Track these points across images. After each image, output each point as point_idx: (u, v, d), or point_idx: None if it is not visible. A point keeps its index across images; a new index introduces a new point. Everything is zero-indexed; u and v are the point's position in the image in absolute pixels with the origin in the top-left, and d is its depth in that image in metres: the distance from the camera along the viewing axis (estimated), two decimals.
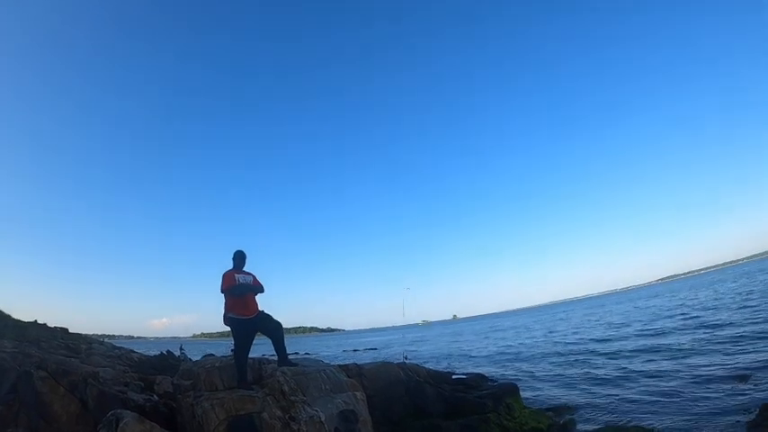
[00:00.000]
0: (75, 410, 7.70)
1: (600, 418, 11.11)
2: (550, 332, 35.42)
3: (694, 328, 20.67)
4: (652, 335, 21.38)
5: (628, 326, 27.59)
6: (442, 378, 13.68)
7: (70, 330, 33.58)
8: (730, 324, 19.66)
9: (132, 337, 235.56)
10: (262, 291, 7.54)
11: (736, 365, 13.12)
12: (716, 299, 34.19)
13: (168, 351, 28.14)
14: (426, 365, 15.89)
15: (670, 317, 27.54)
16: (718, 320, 21.21)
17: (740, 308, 24.21)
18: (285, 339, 7.68)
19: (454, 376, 15.27)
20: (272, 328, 7.37)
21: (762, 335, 16.16)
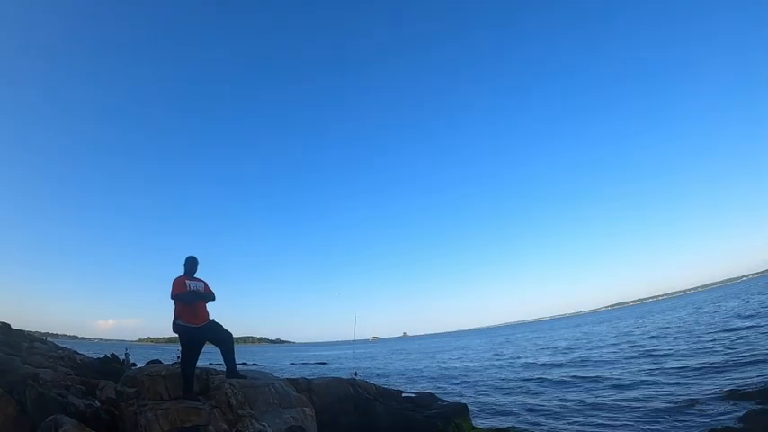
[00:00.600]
0: (11, 412, 7.41)
1: None
2: (497, 354, 35.97)
3: (639, 357, 21.35)
4: (595, 362, 21.95)
5: (573, 351, 28.24)
6: (391, 396, 13.70)
7: (12, 326, 32.18)
8: (674, 354, 20.38)
9: (76, 338, 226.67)
10: (213, 298, 7.37)
11: (681, 395, 13.57)
12: (662, 327, 35.40)
13: (113, 354, 27.13)
14: (376, 382, 15.88)
15: (615, 344, 28.36)
16: (662, 350, 21.97)
17: (685, 338, 25.13)
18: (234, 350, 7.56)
19: (404, 394, 15.27)
20: (222, 338, 7.20)
21: (705, 366, 16.81)
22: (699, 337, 24.23)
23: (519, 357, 30.48)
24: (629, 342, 28.19)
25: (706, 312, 41.71)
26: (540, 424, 13.36)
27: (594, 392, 16.15)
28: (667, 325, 37.18)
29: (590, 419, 12.95)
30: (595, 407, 14.30)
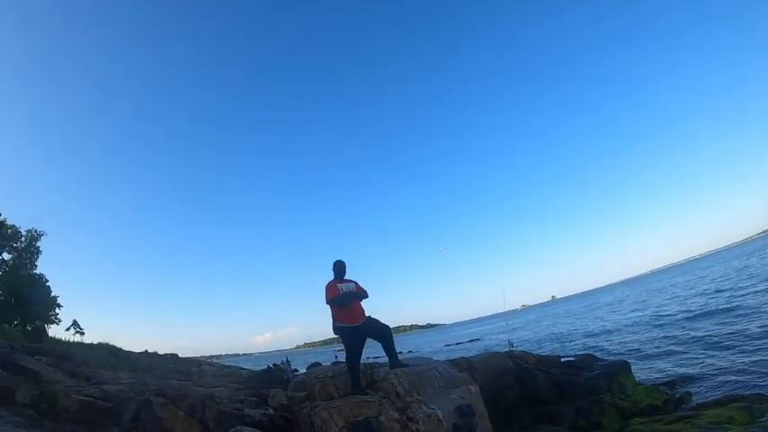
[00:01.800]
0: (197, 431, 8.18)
1: (717, 387, 10.33)
2: (647, 307, 33.46)
3: None
4: (739, 306, 19.39)
5: (726, 291, 25.35)
6: (550, 362, 13.23)
7: (180, 356, 36.02)
8: None
9: (238, 355, 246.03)
10: (366, 296, 7.60)
11: None
12: None
13: (275, 364, 29.29)
14: (533, 351, 15.49)
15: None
16: None
17: None
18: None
19: (563, 359, 14.69)
20: (381, 333, 7.41)
21: None
22: None
23: (668, 307, 28.13)
24: None
25: None
26: (708, 364, 12.29)
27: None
28: None
29: (758, 355, 11.62)
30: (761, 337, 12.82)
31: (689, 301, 25.68)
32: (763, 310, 16.33)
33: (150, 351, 36.77)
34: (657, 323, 21.02)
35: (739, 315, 16.97)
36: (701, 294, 27.82)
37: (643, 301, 39.17)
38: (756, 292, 20.58)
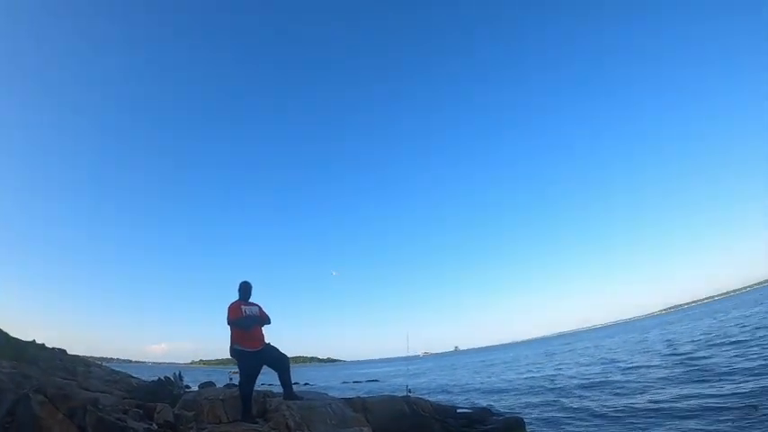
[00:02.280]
0: None
1: None
2: (548, 365, 34.94)
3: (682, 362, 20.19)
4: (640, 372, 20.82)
5: (622, 361, 26.99)
6: (446, 412, 13.43)
7: (68, 352, 33.49)
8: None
9: (130, 362, 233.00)
10: (268, 322, 7.50)
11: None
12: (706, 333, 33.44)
13: (166, 377, 27.83)
14: (430, 398, 15.64)
15: (661, 352, 26.90)
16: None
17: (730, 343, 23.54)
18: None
19: (459, 410, 14.94)
20: (279, 361, 7.29)
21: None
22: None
23: (569, 368, 29.52)
24: (671, 348, 26.77)
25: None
26: (602, 427, 12.87)
27: (642, 398, 15.44)
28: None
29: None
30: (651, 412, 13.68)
31: (582, 369, 26.95)
32: (652, 385, 17.34)
33: (38, 342, 34.02)
34: (550, 387, 21.88)
35: (625, 389, 17.96)
36: (594, 363, 29.24)
37: (539, 363, 40.63)
38: (650, 366, 21.86)
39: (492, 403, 18.74)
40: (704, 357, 19.96)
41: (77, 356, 34.92)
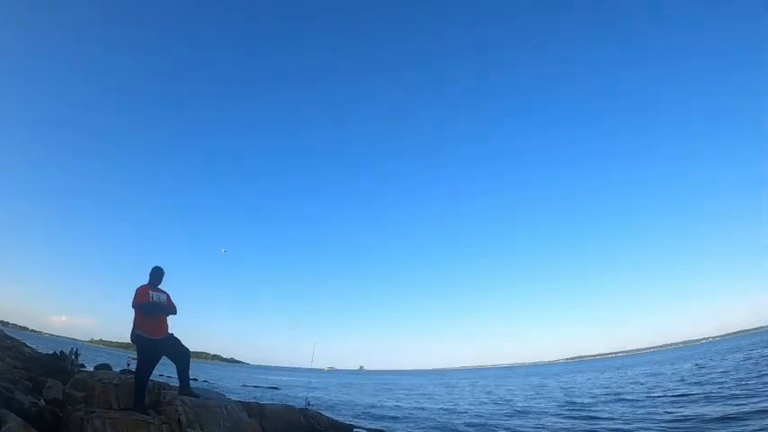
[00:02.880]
0: None
1: None
2: (449, 395, 35.89)
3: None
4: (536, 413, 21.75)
5: (517, 400, 28.08)
6: (341, 429, 13.58)
7: None
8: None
9: (27, 329, 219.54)
10: (174, 312, 7.42)
11: None
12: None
13: (62, 352, 26.32)
14: (328, 414, 15.71)
15: (555, 397, 28.25)
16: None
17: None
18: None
19: (355, 429, 15.15)
20: (180, 354, 7.21)
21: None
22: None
23: (467, 400, 30.42)
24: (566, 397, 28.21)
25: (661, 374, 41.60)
26: None
27: None
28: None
29: None
30: None
31: (475, 407, 27.78)
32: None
33: None
34: (441, 419, 22.49)
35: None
36: (489, 402, 30.13)
37: (438, 394, 41.38)
38: (540, 413, 22.78)
39: (389, 426, 19.07)
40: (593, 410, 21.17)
41: None
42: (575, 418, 20.26)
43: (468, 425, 21.20)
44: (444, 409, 25.97)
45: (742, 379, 22.39)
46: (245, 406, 9.20)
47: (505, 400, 29.70)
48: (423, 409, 26.77)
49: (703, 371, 33.28)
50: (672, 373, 37.92)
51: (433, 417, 23.34)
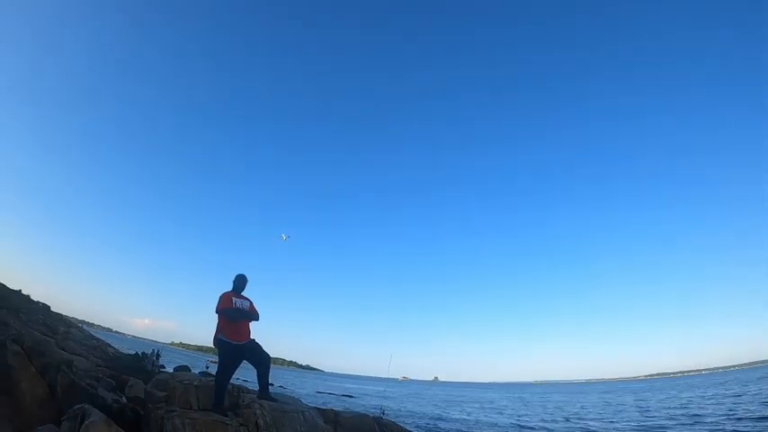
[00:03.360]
0: (41, 394, 7.49)
1: None
2: (523, 411, 34.60)
3: None
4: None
5: (587, 420, 26.48)
6: None
7: (52, 309, 33.45)
8: None
9: (111, 330, 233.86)
10: (257, 319, 7.45)
11: None
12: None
13: (143, 353, 27.68)
14: (403, 423, 15.43)
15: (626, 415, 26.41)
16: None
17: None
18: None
19: None
20: (261, 359, 7.22)
21: None
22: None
23: (538, 416, 29.19)
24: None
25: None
26: None
27: None
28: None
29: None
30: None
31: (545, 423, 26.60)
32: None
33: (24, 293, 34.10)
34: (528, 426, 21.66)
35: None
36: (560, 419, 28.78)
37: (512, 407, 40.13)
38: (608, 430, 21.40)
39: None
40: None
41: (60, 315, 34.93)
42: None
43: None
44: (514, 425, 25.06)
45: None
46: (322, 412, 9.10)
47: (579, 418, 28.29)
48: (495, 424, 25.95)
49: None
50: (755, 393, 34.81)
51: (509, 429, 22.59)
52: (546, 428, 23.07)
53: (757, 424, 17.33)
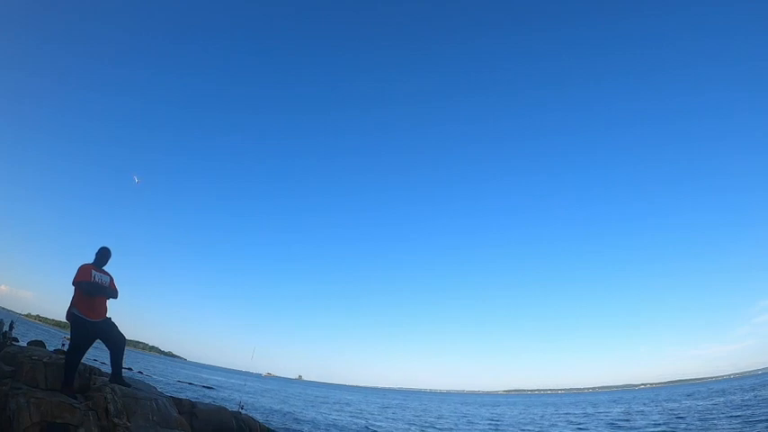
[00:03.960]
0: None
1: None
2: (382, 416, 36.08)
3: None
4: None
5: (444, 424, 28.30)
6: None
7: None
8: None
9: None
10: (115, 296, 7.25)
11: None
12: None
13: None
14: (261, 419, 15.54)
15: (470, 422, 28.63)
16: None
17: None
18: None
19: None
20: (115, 340, 7.01)
21: None
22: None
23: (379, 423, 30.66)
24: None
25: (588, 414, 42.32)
26: None
27: None
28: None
29: None
30: None
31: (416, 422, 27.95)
32: None
33: None
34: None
35: None
36: (415, 425, 30.31)
37: (372, 412, 41.44)
38: None
39: None
40: None
41: None
42: None
43: None
44: (366, 427, 26.04)
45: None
46: (177, 402, 9.04)
47: (429, 425, 29.94)
48: (345, 427, 26.77)
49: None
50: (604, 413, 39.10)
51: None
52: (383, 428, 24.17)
53: None
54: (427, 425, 30.41)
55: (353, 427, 25.38)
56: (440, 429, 27.62)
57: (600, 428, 25.24)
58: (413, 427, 28.03)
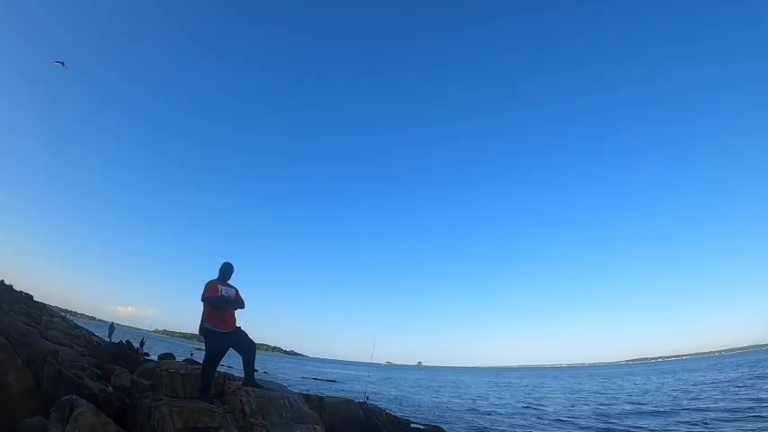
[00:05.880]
0: (28, 385, 7.48)
1: None
2: (508, 394, 35.41)
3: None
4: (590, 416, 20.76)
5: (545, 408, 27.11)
6: (399, 425, 13.51)
7: (35, 298, 33.08)
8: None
9: (94, 319, 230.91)
10: (242, 306, 7.51)
11: None
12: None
13: (128, 341, 27.61)
14: (386, 408, 15.72)
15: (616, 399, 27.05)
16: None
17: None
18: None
19: (412, 425, 15.05)
20: (246, 347, 7.33)
21: None
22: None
23: (503, 401, 29.88)
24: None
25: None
26: None
27: None
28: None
29: None
30: None
31: (542, 400, 27.14)
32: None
33: (6, 282, 33.62)
34: (517, 410, 22.05)
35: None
36: (521, 402, 29.39)
37: (488, 392, 40.87)
38: (576, 417, 21.90)
39: (447, 423, 18.91)
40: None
41: (43, 304, 34.50)
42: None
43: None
44: (473, 407, 25.59)
45: None
46: (306, 398, 9.25)
47: (538, 404, 28.89)
48: (479, 404, 26.46)
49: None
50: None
51: (492, 412, 23.08)
52: (497, 412, 23.58)
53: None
54: (533, 401, 29.64)
55: (463, 407, 25.15)
56: (538, 407, 26.48)
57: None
58: (519, 404, 27.34)
